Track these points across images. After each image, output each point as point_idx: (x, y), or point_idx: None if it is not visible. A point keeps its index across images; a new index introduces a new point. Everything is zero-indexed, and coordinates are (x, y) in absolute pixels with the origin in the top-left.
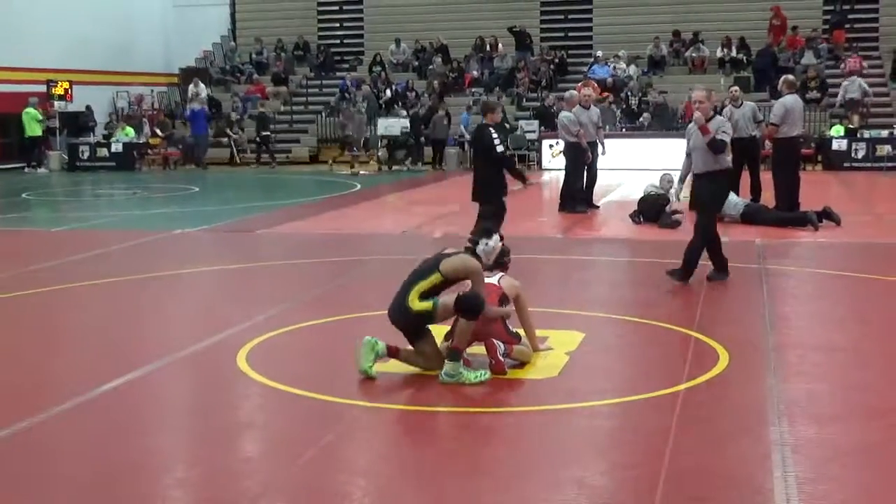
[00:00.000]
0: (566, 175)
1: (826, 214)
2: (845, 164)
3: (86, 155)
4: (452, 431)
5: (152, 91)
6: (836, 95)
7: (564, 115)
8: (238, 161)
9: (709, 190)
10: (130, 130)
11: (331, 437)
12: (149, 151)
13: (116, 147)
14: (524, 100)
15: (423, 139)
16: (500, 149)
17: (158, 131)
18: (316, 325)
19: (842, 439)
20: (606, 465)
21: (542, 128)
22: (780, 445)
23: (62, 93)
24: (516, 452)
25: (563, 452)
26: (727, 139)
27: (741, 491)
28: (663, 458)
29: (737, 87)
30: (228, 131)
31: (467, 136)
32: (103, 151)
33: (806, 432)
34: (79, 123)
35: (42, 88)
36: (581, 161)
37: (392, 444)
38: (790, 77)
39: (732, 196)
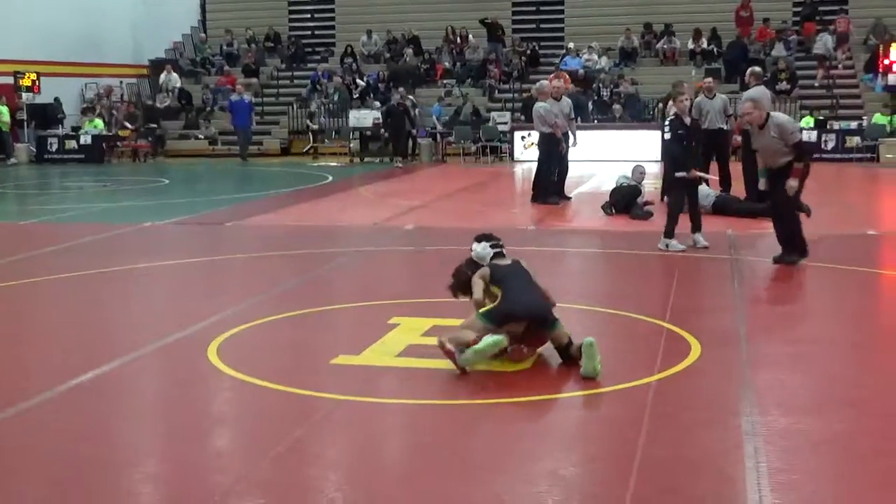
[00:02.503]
0: (539, 166)
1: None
2: (815, 156)
3: (54, 147)
4: (425, 425)
5: (121, 83)
6: (806, 87)
7: (540, 106)
8: (315, 151)
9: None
10: (99, 122)
11: (303, 431)
12: (118, 144)
13: (85, 139)
14: (496, 91)
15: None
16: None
17: (127, 123)
18: (287, 319)
19: (813, 430)
20: (579, 457)
21: (523, 118)
22: (751, 436)
23: (29, 84)
24: (488, 445)
25: (535, 445)
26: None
27: (713, 481)
28: (635, 449)
29: (711, 79)
30: (309, 122)
31: (440, 128)
32: (72, 144)
33: (777, 423)
34: (47, 115)
35: (9, 80)
36: (555, 152)
37: (365, 437)
38: (757, 69)
39: (703, 187)
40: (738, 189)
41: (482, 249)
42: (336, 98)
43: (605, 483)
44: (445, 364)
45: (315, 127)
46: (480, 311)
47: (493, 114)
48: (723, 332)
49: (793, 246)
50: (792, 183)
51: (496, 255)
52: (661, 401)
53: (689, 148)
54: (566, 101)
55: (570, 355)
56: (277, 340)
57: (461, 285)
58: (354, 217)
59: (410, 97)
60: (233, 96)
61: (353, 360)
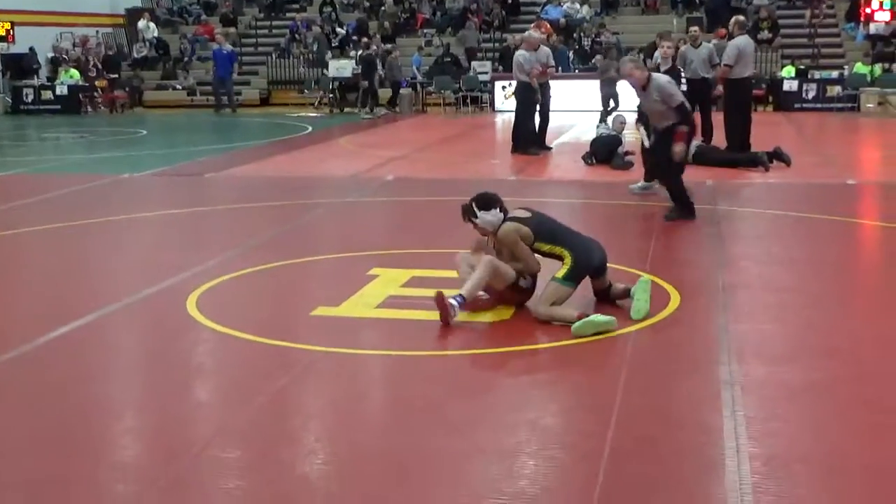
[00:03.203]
0: (517, 116)
1: (777, 155)
2: (796, 105)
3: (30, 98)
4: (405, 376)
5: (97, 32)
6: (787, 36)
7: (520, 54)
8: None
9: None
10: (75, 73)
11: (284, 382)
12: (95, 94)
13: (61, 90)
14: (479, 42)
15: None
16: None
17: (103, 73)
18: (266, 270)
19: (791, 378)
20: (557, 407)
21: (501, 68)
22: (729, 385)
23: (3, 34)
24: (469, 396)
25: (515, 395)
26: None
27: (691, 430)
28: (614, 399)
29: (696, 28)
30: (357, 79)
31: (420, 78)
32: (48, 94)
33: (756, 372)
34: (22, 66)
35: None
36: (531, 101)
37: (345, 389)
38: (741, 17)
39: None
40: (719, 139)
41: (493, 218)
42: (315, 48)
43: (584, 433)
44: (426, 315)
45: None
46: (560, 276)
47: (474, 63)
48: (702, 282)
49: (682, 205)
50: (677, 148)
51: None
52: (641, 351)
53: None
54: (544, 51)
55: (611, 297)
56: (257, 292)
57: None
58: (334, 168)
59: (385, 46)
60: (214, 46)
61: (332, 312)
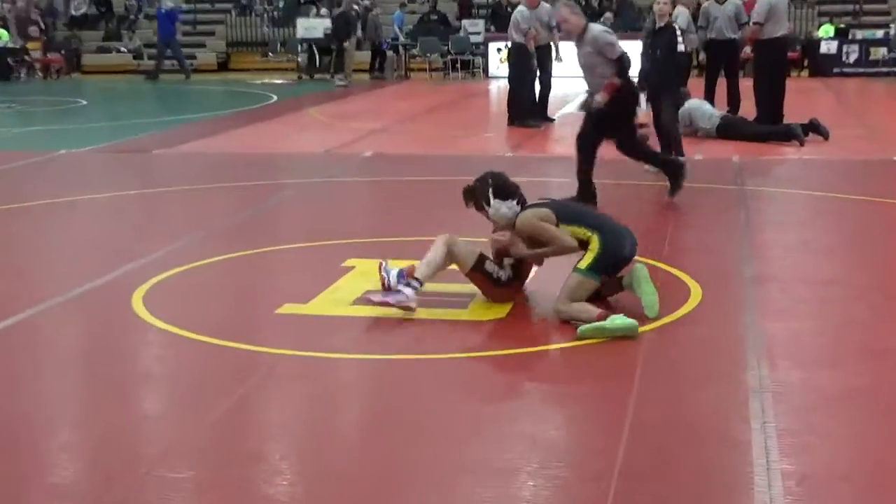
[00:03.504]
0: (511, 83)
1: (813, 127)
2: (835, 70)
3: None
4: (383, 383)
5: None
6: None
7: (519, 11)
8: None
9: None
10: (4, 34)
11: (244, 390)
12: (26, 58)
13: None
14: None
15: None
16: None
17: (35, 34)
18: (225, 261)
19: (830, 385)
20: (561, 419)
21: (493, 27)
22: (758, 392)
23: None
24: (456, 405)
25: (510, 405)
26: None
27: (714, 445)
28: (626, 409)
29: None
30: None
31: (402, 39)
32: None
33: (789, 377)
34: None
35: None
36: (526, 66)
37: (315, 398)
38: None
39: (707, 106)
40: (748, 109)
41: (508, 210)
42: (281, 4)
43: (591, 448)
44: (409, 313)
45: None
46: (583, 266)
47: (465, 22)
48: (727, 273)
49: (667, 172)
50: (599, 98)
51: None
52: (656, 353)
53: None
54: (545, 8)
55: (600, 294)
56: (213, 287)
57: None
58: (303, 143)
59: (364, 2)
60: (158, 3)
61: (301, 310)
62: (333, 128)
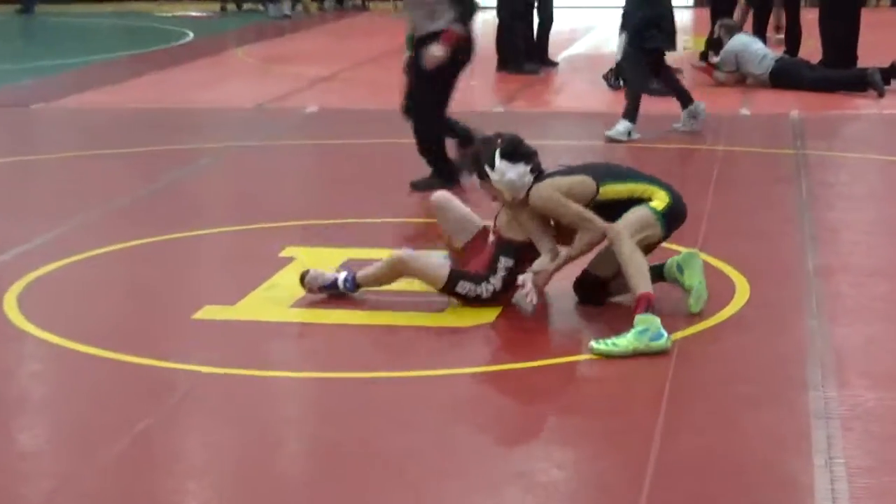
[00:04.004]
0: (500, 15)
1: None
2: None
3: None
4: (333, 407)
5: None
6: None
7: None
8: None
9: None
10: None
11: (151, 419)
12: None
13: None
14: None
15: None
16: None
17: None
18: (126, 251)
19: None
20: (567, 454)
21: None
22: (824, 419)
23: None
24: (430, 437)
25: (501, 436)
26: None
27: (766, 488)
28: (650, 442)
29: None
30: None
31: None
32: None
33: (863, 398)
34: None
35: None
36: None
37: (243, 427)
38: None
39: (757, 45)
40: (810, 49)
41: (517, 178)
42: None
43: (604, 494)
44: (367, 318)
45: None
46: (658, 207)
47: None
48: (782, 264)
49: (439, 164)
50: (436, 51)
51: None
52: (691, 368)
53: None
54: None
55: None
56: (111, 284)
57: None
58: (227, 95)
59: None
60: None
61: (226, 314)
62: (268, 75)
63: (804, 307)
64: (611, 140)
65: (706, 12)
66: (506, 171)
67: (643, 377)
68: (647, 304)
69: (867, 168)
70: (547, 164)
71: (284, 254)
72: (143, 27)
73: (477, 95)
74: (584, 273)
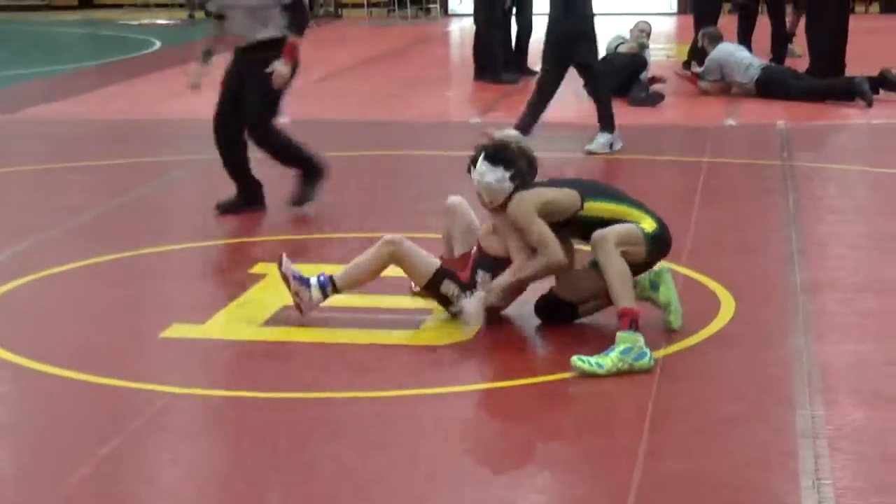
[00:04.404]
0: (477, 22)
1: (885, 81)
2: None
3: None
4: (306, 428)
5: None
6: None
7: None
8: None
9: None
10: None
11: (117, 442)
12: None
13: None
14: None
15: None
16: None
17: None
18: (91, 267)
19: None
20: (548, 479)
21: None
22: (811, 438)
23: None
24: (405, 459)
25: (479, 458)
26: None
27: None
28: (634, 462)
29: None
30: None
31: None
32: None
33: (851, 417)
34: None
35: None
36: (497, 2)
37: (213, 450)
38: None
39: (743, 53)
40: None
41: (494, 182)
42: None
43: None
44: (342, 336)
45: None
46: (647, 228)
47: None
48: (768, 279)
49: (307, 172)
50: (284, 70)
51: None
52: (674, 386)
53: None
54: None
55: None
56: (75, 303)
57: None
58: (197, 106)
59: None
60: None
61: (195, 333)
62: None
63: (791, 324)
64: (591, 153)
65: (689, 19)
66: (485, 173)
67: (626, 396)
68: (632, 321)
69: (855, 180)
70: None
71: (255, 270)
72: (109, 36)
73: (453, 106)
74: (550, 293)
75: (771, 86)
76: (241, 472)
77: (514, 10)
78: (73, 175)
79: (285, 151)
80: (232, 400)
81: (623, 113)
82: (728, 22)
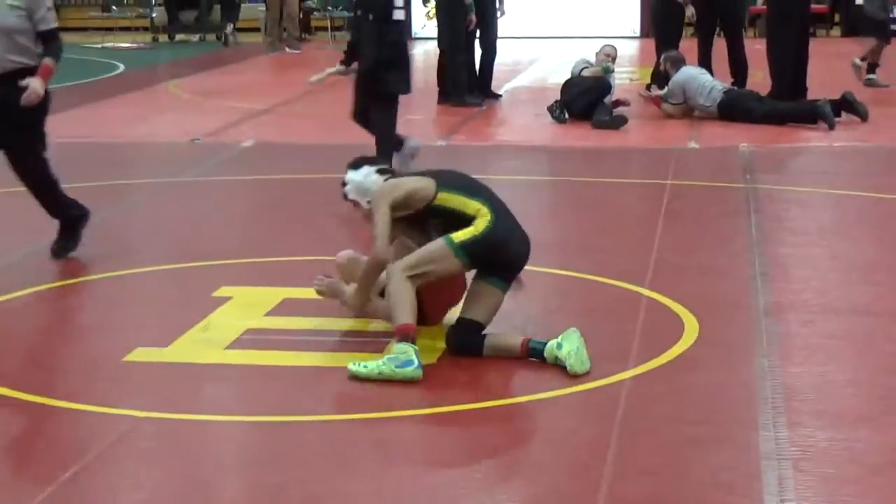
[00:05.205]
0: (441, 45)
1: (847, 104)
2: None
3: None
4: (269, 454)
5: None
6: None
7: None
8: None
9: None
10: None
11: (77, 468)
12: None
13: None
14: None
15: None
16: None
17: None
18: (53, 291)
19: (871, 447)
20: (512, 500)
21: None
22: (774, 460)
23: None
24: (370, 480)
25: (442, 480)
26: None
27: None
28: (598, 486)
29: None
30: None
31: None
32: None
33: (815, 439)
34: None
35: None
36: (462, 24)
37: (177, 476)
38: None
39: (704, 77)
40: (758, 81)
41: (365, 178)
42: None
43: None
44: (306, 359)
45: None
46: (457, 238)
47: None
48: (732, 301)
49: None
50: (38, 87)
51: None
52: (639, 409)
53: None
54: None
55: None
56: (39, 326)
57: None
58: (161, 129)
59: None
60: None
61: (158, 356)
62: (202, 108)
63: (754, 345)
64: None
65: (652, 43)
66: (352, 177)
67: (590, 418)
68: (403, 335)
69: (818, 202)
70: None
71: (218, 293)
72: (72, 59)
73: (417, 129)
74: (459, 320)
75: (733, 109)
76: (205, 497)
77: (477, 34)
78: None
79: (45, 188)
80: (196, 423)
81: (586, 135)
82: (689, 45)
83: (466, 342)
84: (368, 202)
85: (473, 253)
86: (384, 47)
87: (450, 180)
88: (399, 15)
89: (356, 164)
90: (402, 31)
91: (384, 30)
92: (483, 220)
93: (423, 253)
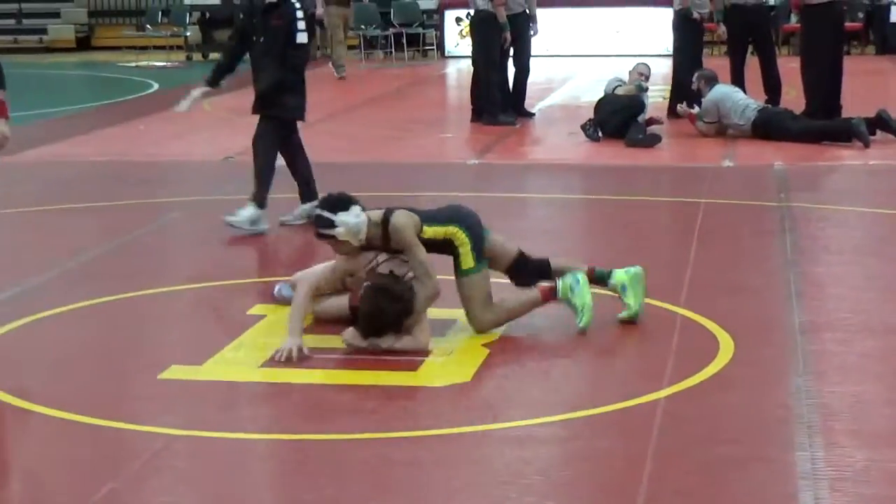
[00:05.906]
0: (475, 64)
1: (882, 122)
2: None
3: None
4: (304, 472)
5: None
6: None
7: None
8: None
9: None
10: None
11: (115, 485)
12: None
13: None
14: None
15: None
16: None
17: None
18: (89, 309)
19: None
20: None
21: None
22: (811, 480)
23: None
24: (404, 500)
25: (477, 501)
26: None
27: None
28: None
29: None
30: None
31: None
32: None
33: (852, 459)
34: None
35: None
36: (495, 43)
37: (213, 489)
38: None
39: (738, 95)
40: (793, 98)
41: (356, 219)
42: None
43: None
44: (341, 377)
45: None
46: (465, 267)
47: None
48: (767, 320)
49: None
50: (6, 130)
51: None
52: (673, 430)
53: None
54: None
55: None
56: (75, 344)
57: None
58: (195, 147)
59: None
60: None
61: (193, 375)
62: (235, 127)
63: (790, 365)
64: (230, 224)
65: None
66: (347, 220)
67: (625, 438)
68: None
69: (853, 221)
70: (525, 215)
71: (253, 311)
72: (107, 78)
73: (450, 147)
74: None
75: (768, 127)
76: None
77: (511, 52)
78: (71, 217)
79: None
80: (231, 442)
81: (620, 154)
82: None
83: (533, 263)
84: (361, 240)
85: (480, 256)
86: (286, 71)
87: (423, 212)
88: (302, 38)
89: (342, 205)
90: (304, 56)
91: (287, 54)
92: (461, 235)
93: (474, 293)
